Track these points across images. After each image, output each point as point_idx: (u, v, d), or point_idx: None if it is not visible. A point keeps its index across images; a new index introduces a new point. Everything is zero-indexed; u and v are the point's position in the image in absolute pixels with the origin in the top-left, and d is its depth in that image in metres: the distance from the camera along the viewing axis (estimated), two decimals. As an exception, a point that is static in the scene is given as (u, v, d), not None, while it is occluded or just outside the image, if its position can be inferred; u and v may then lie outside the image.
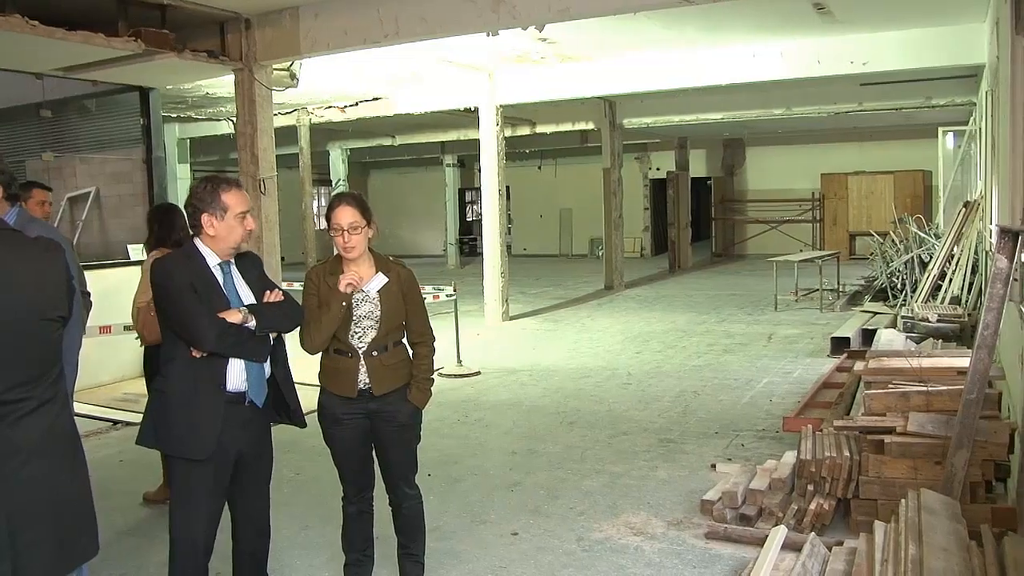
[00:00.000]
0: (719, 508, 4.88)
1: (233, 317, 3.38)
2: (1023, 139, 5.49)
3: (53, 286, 2.55)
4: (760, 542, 4.34)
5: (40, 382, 2.48)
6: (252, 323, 3.42)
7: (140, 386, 5.55)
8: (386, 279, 3.78)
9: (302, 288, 3.87)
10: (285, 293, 3.66)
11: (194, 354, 3.34)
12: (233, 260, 3.52)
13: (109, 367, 8.46)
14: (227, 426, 3.41)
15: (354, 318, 3.73)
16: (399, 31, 7.76)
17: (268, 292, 3.57)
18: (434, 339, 3.97)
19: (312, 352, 3.80)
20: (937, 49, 10.50)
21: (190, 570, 3.49)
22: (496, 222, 13.31)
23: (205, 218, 3.40)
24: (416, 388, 3.86)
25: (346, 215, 3.68)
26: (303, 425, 3.73)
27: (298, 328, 3.74)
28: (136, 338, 5.41)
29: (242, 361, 3.44)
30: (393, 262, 3.88)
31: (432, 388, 3.93)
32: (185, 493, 3.44)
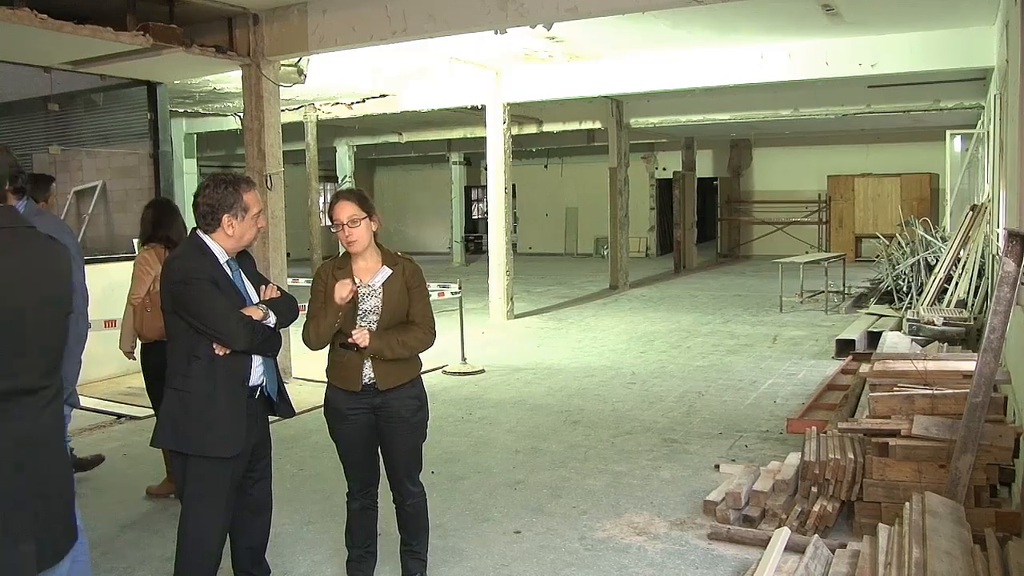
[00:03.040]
0: (722, 509, 4.87)
1: (255, 314, 3.40)
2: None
3: (67, 279, 2.65)
4: (763, 543, 4.34)
5: (56, 372, 2.58)
6: (272, 319, 3.45)
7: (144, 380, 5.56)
8: (390, 271, 3.79)
9: (311, 284, 3.89)
10: (279, 287, 3.69)
11: (218, 352, 3.35)
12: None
13: (113, 361, 8.43)
14: (248, 420, 3.45)
15: (359, 312, 3.74)
16: (407, 28, 7.76)
17: (264, 288, 3.59)
18: (434, 332, 3.89)
19: (313, 348, 3.82)
20: (946, 51, 10.47)
21: (205, 567, 3.49)
22: (502, 220, 13.30)
23: (226, 219, 3.41)
24: (379, 336, 3.70)
25: (345, 210, 3.71)
26: (292, 414, 3.81)
27: (302, 323, 3.77)
28: (134, 342, 5.38)
29: (259, 356, 3.49)
30: (401, 257, 3.89)
31: (389, 352, 3.71)
32: (208, 491, 3.44)
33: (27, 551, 2.48)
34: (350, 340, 3.63)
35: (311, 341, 3.78)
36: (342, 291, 3.61)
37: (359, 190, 3.96)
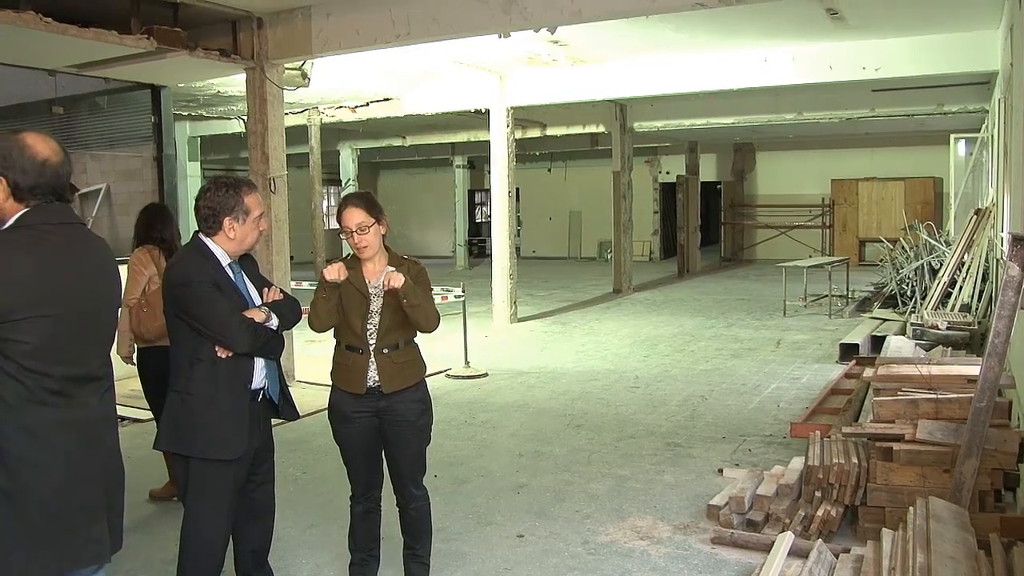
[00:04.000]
0: (726, 513, 4.86)
1: (257, 316, 3.40)
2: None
3: (117, 272, 2.83)
4: (767, 548, 4.33)
5: (110, 361, 2.77)
6: (274, 322, 3.45)
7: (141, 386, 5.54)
8: (393, 271, 3.79)
9: (317, 284, 3.89)
10: (281, 289, 3.69)
11: (220, 354, 3.35)
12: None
13: (115, 363, 8.45)
14: (250, 423, 3.44)
15: (369, 313, 3.74)
16: (411, 32, 7.76)
17: (267, 290, 3.59)
18: (438, 317, 3.89)
19: (317, 331, 3.84)
20: (950, 56, 10.45)
21: (208, 571, 3.49)
22: (505, 224, 13.30)
23: (227, 222, 3.42)
24: (408, 283, 3.69)
25: (354, 216, 3.71)
26: (296, 417, 3.82)
27: (306, 325, 3.78)
28: (132, 346, 5.37)
29: (261, 359, 3.49)
30: (407, 259, 3.90)
31: (414, 297, 3.71)
32: (211, 494, 3.44)
33: (101, 531, 2.64)
34: (387, 284, 3.64)
35: (313, 322, 3.81)
36: (331, 273, 3.67)
37: (366, 193, 3.95)
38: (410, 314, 3.73)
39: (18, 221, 2.55)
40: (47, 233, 2.55)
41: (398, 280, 3.63)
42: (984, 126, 14.11)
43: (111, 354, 2.80)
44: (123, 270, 5.50)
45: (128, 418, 7.50)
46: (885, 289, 13.98)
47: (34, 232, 2.54)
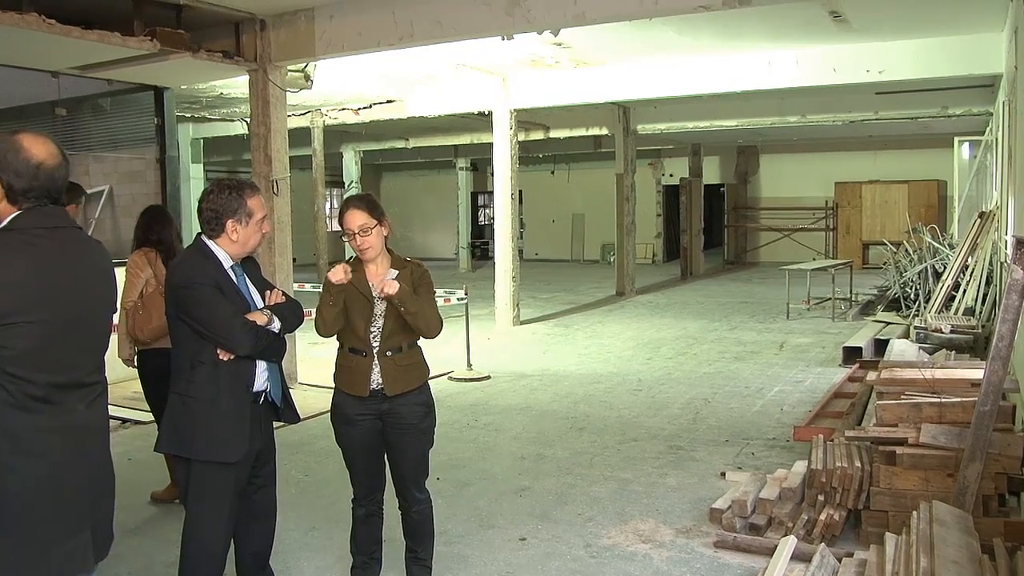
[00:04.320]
0: (728, 517, 4.85)
1: (259, 319, 3.40)
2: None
3: (114, 277, 2.80)
4: (769, 552, 4.32)
5: (103, 368, 2.73)
6: (276, 324, 3.45)
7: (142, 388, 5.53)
8: (396, 273, 3.78)
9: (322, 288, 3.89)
10: (283, 292, 3.69)
11: (222, 357, 3.35)
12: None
13: (117, 365, 8.42)
14: (251, 426, 3.44)
15: (373, 316, 3.74)
16: (414, 34, 7.76)
17: (269, 293, 3.59)
18: (441, 322, 3.88)
19: (322, 335, 3.83)
20: (953, 58, 10.44)
21: (209, 573, 3.49)
22: (508, 226, 13.30)
23: (230, 224, 3.41)
24: (405, 290, 3.70)
25: (356, 218, 3.70)
26: (297, 420, 3.81)
27: (309, 327, 3.77)
28: (132, 348, 5.38)
29: (263, 361, 3.49)
30: (410, 262, 3.89)
31: (412, 304, 3.71)
32: (212, 496, 3.43)
33: (85, 540, 2.61)
34: (382, 292, 3.64)
35: (320, 328, 3.80)
36: (336, 275, 3.65)
37: (368, 195, 3.95)
38: (410, 321, 3.72)
39: (10, 224, 2.52)
40: (39, 237, 2.52)
41: (392, 288, 3.62)
42: (988, 129, 14.10)
43: (108, 358, 2.77)
44: (121, 272, 5.52)
45: (130, 420, 7.51)
46: (888, 292, 13.96)
47: (25, 236, 2.50)
